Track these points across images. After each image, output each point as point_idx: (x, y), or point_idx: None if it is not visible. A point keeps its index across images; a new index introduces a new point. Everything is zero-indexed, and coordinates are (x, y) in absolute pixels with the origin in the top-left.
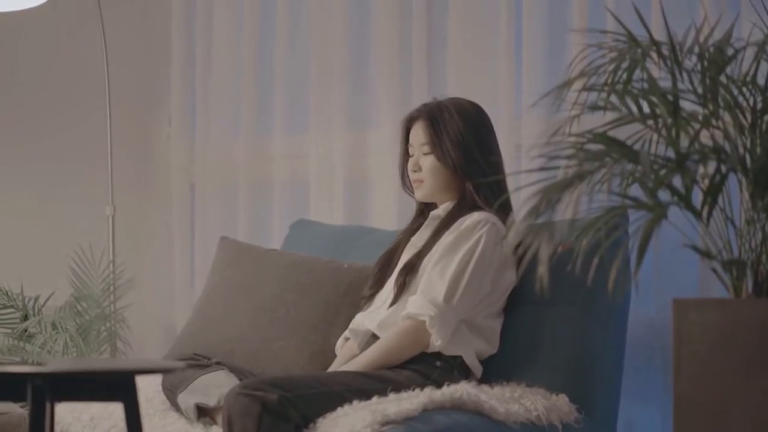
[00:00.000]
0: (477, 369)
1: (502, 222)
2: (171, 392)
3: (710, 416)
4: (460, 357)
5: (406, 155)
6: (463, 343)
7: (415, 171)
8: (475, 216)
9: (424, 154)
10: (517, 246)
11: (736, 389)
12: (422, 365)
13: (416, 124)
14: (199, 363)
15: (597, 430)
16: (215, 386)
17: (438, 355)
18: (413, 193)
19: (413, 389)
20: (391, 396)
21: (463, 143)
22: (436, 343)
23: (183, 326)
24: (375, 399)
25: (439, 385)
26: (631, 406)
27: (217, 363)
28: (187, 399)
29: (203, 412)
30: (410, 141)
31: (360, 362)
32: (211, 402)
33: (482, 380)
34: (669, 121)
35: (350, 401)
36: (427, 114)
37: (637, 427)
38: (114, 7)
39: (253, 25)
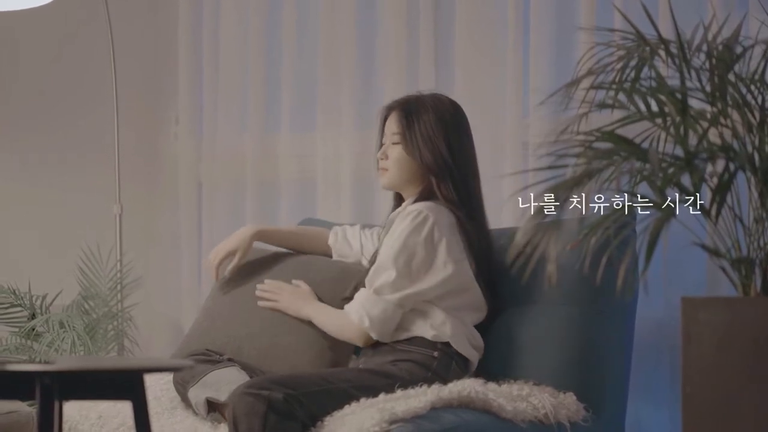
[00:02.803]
0: (472, 355)
1: (450, 210)
2: (182, 386)
3: (718, 414)
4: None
5: (381, 144)
6: (443, 327)
7: (381, 159)
8: (410, 207)
9: (393, 143)
10: (482, 239)
11: (744, 387)
12: (420, 356)
13: (392, 114)
14: (211, 359)
15: (605, 429)
16: (226, 382)
17: (433, 345)
18: None
19: (420, 385)
20: (399, 393)
21: (433, 138)
22: (363, 325)
23: (191, 325)
24: (382, 396)
25: (441, 377)
26: (639, 405)
27: (229, 359)
28: (198, 393)
29: (213, 407)
30: (384, 130)
31: (315, 312)
32: (221, 397)
33: (490, 378)
34: (677, 119)
35: (357, 399)
36: (403, 105)
37: (645, 425)
38: (121, 5)
39: (260, 23)
